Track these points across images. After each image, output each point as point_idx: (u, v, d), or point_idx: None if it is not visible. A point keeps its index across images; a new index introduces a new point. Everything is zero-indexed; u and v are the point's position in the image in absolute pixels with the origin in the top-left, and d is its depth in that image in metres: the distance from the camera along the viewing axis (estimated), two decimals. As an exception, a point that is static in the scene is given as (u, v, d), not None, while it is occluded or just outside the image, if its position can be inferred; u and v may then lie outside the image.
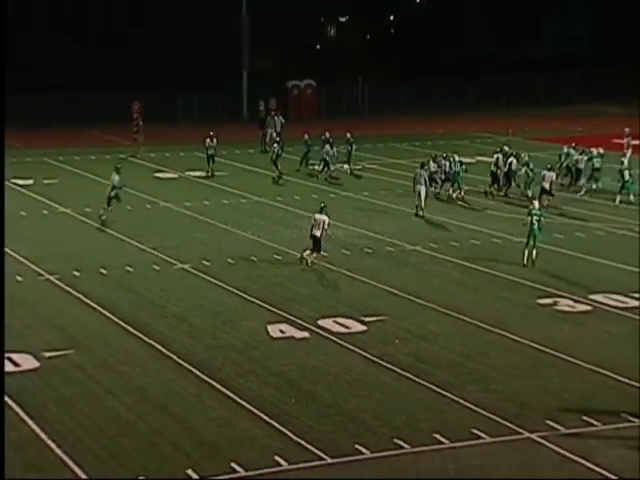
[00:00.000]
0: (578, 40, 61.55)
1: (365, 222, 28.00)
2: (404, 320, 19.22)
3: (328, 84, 53.08)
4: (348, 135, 36.32)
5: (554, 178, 29.33)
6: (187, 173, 36.49)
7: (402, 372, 16.47)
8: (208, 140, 35.68)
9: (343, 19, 70.69)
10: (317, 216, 23.03)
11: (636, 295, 20.48)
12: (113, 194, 27.73)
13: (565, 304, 20.08)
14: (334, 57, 62.48)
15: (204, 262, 23.50)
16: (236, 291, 21.17)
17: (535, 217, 22.95)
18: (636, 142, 36.01)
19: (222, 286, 21.61)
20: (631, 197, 30.00)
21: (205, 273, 22.63)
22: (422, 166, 29.76)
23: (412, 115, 50.44)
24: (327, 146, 34.82)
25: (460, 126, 47.07)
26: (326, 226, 22.83)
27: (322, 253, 23.00)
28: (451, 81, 54.45)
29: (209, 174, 35.54)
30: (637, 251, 24.31)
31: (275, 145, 35.42)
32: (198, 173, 36.25)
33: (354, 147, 36.11)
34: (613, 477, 12.80)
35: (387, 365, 16.80)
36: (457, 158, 31.67)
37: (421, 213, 28.64)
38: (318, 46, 68.69)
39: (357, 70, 55.26)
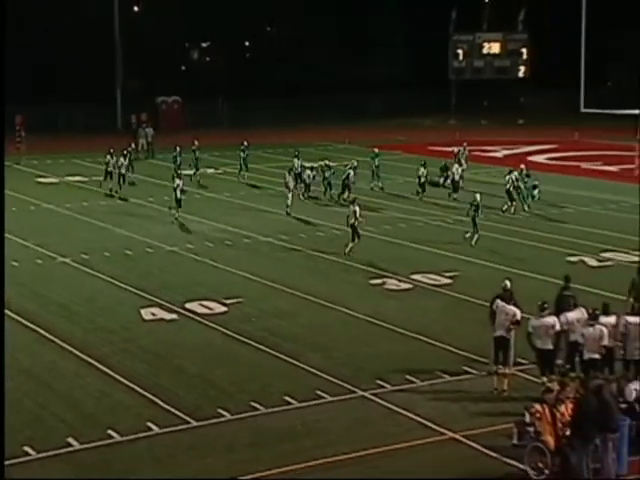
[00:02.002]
0: (400, 66, 63.54)
1: (226, 218, 27.82)
2: (259, 301, 19.23)
3: (192, 100, 52.56)
4: (194, 144, 34.75)
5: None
6: (67, 178, 35.27)
7: (257, 345, 16.49)
8: (108, 157, 31.25)
9: (205, 44, 70.12)
10: (351, 207, 23.38)
11: (447, 274, 21.21)
12: (181, 197, 27.21)
13: (392, 283, 20.52)
14: (197, 76, 61.96)
15: (83, 256, 22.78)
16: (112, 280, 20.63)
17: (473, 207, 23.93)
18: (449, 148, 37.21)
19: (99, 276, 21.02)
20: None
21: (84, 265, 21.95)
22: (289, 171, 29.46)
23: (266, 127, 50.48)
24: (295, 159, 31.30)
25: (306, 136, 47.43)
26: (357, 215, 23.12)
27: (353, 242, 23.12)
28: (298, 98, 54.93)
29: (112, 192, 30.62)
30: (449, 237, 25.19)
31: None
32: (77, 178, 35.10)
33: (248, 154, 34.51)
34: (429, 423, 13.22)
35: (244, 340, 16.79)
36: (329, 163, 31.46)
37: (289, 211, 28.15)
38: (183, 67, 67.95)
39: (217, 88, 54.95)
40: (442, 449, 12.51)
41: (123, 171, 31.57)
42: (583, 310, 14.30)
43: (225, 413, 13.56)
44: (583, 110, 37.02)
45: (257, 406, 13.78)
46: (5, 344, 16.20)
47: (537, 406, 11.65)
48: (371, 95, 57.25)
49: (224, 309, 18.63)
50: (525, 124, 53.07)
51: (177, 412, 13.54)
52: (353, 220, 23.19)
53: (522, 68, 55.89)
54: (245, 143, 34.86)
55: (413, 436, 12.80)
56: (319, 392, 14.26)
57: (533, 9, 54.57)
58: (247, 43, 69.85)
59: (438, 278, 20.84)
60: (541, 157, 40.38)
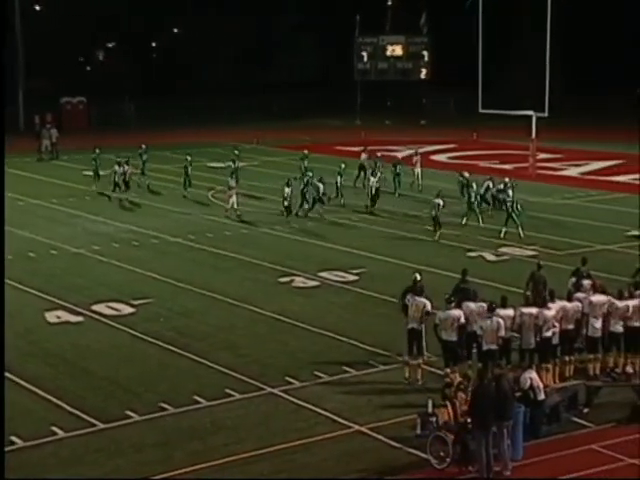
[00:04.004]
0: (307, 68, 63.90)
1: (132, 219, 27.32)
2: (167, 301, 18.96)
3: (97, 101, 51.34)
4: (144, 146, 33.32)
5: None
6: (-33, 179, 33.80)
7: (165, 345, 16.26)
8: (116, 166, 29.22)
9: (110, 45, 68.59)
10: (435, 200, 24.62)
11: (354, 271, 21.39)
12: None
13: (300, 281, 20.50)
14: (103, 77, 60.56)
15: (-16, 259, 21.88)
16: (14, 283, 19.85)
17: (509, 203, 24.76)
18: (366, 147, 37.41)
19: (1, 280, 20.24)
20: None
21: (-15, 269, 21.09)
22: (231, 174, 28.22)
23: (173, 127, 49.79)
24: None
25: (215, 136, 47.02)
26: (441, 207, 24.56)
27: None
28: (205, 98, 54.53)
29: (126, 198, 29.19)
30: (354, 235, 25.39)
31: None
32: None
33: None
34: (336, 417, 13.31)
35: (152, 340, 16.52)
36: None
37: (232, 213, 27.14)
38: (88, 67, 66.30)
39: (123, 88, 53.85)
40: (348, 442, 12.61)
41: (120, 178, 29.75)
42: (483, 304, 14.70)
43: (133, 414, 13.31)
44: (481, 111, 37.97)
45: (166, 406, 13.58)
46: None
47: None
48: (278, 96, 57.31)
49: (132, 310, 18.28)
50: (427, 124, 54.17)
51: (83, 415, 13.22)
52: (436, 212, 24.40)
53: (424, 70, 57.06)
54: (237, 152, 32.75)
55: (321, 430, 12.88)
56: (228, 390, 14.16)
57: (433, 13, 55.83)
58: (154, 44, 68.80)
59: (345, 275, 20.96)
60: (442, 156, 41.29)
